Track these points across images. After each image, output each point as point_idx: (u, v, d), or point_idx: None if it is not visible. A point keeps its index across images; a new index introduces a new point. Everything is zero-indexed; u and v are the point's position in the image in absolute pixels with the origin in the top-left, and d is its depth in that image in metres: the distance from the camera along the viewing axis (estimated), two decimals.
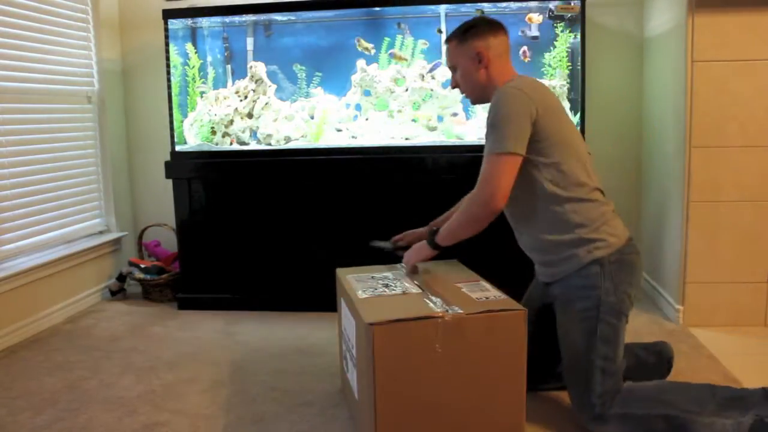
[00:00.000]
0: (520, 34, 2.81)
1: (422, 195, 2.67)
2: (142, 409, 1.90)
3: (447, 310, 1.50)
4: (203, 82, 3.02)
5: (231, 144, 2.95)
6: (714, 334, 2.41)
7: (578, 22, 2.68)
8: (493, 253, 2.45)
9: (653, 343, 2.00)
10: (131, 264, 3.13)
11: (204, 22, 2.98)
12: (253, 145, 2.93)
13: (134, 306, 3.00)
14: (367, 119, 2.89)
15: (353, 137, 2.88)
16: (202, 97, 2.99)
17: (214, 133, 2.94)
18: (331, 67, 2.97)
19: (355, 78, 2.88)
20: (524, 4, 2.77)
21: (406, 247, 1.98)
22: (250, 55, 3.04)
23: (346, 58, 2.91)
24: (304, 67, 2.98)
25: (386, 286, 1.73)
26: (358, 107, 2.92)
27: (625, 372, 1.72)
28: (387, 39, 2.90)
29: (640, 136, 3.07)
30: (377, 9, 2.84)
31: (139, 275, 3.06)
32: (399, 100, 2.85)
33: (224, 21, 2.99)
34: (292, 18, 2.96)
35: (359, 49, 2.89)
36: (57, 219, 2.85)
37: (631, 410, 1.59)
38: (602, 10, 3.00)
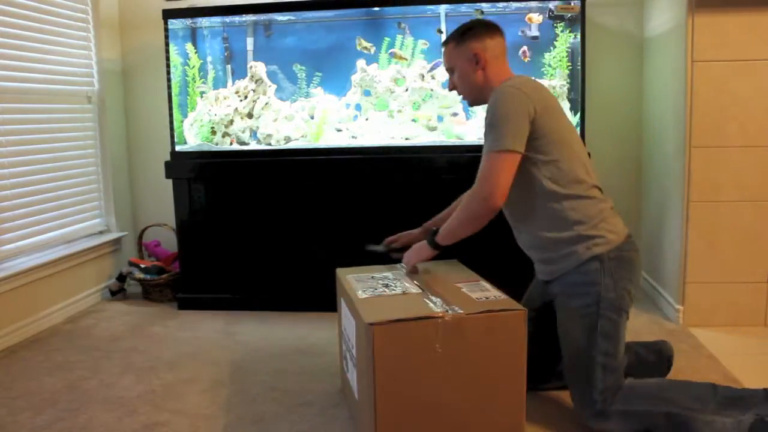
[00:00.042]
0: (520, 34, 2.81)
1: (422, 195, 2.67)
2: (142, 409, 1.90)
3: (447, 310, 1.50)
4: (203, 82, 3.02)
5: (231, 144, 2.95)
6: (714, 334, 2.42)
7: (578, 22, 2.68)
8: (493, 253, 2.45)
9: (653, 342, 2.00)
10: (131, 264, 3.13)
11: (204, 22, 2.98)
12: (253, 145, 2.93)
13: (134, 306, 3.00)
14: (367, 119, 2.89)
15: (353, 137, 2.88)
16: (202, 97, 2.99)
17: (214, 133, 2.94)
18: (331, 67, 2.97)
19: (355, 78, 2.88)
20: (524, 4, 2.77)
21: (400, 250, 1.99)
22: (250, 55, 3.04)
23: (346, 58, 2.91)
24: (304, 67, 2.98)
25: (386, 286, 1.73)
26: (358, 107, 2.92)
27: (626, 370, 1.72)
28: (387, 39, 2.90)
29: (640, 136, 3.07)
30: (377, 9, 2.84)
31: (139, 275, 3.06)
32: (399, 100, 2.85)
33: (224, 21, 2.99)
34: (292, 18, 2.96)
35: (359, 48, 2.89)
36: (57, 219, 2.85)
37: (632, 407, 1.59)
38: (602, 10, 3.00)
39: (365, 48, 2.89)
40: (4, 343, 2.45)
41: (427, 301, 1.59)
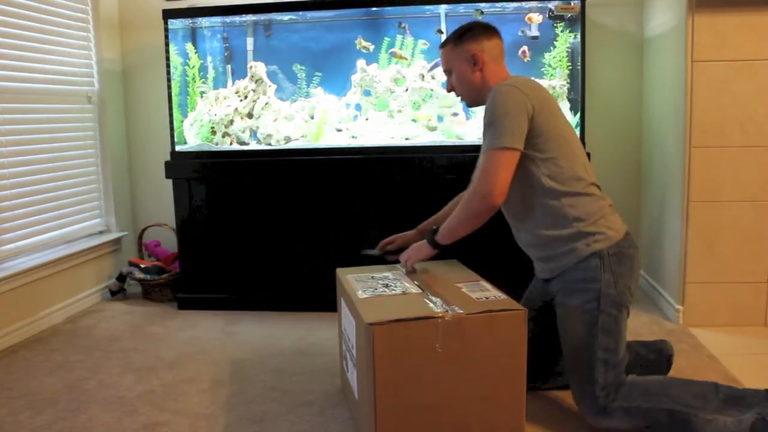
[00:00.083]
0: (519, 34, 2.81)
1: (422, 195, 2.67)
2: (142, 409, 1.91)
3: (447, 310, 1.50)
4: (203, 82, 3.02)
5: (231, 144, 2.95)
6: (714, 334, 2.42)
7: (578, 22, 2.68)
8: (493, 253, 2.45)
9: (653, 342, 2.00)
10: (131, 264, 3.13)
11: (204, 22, 2.98)
12: (253, 145, 2.93)
13: (134, 306, 3.00)
14: (367, 119, 2.89)
15: (353, 137, 2.88)
16: (202, 97, 2.99)
17: (214, 133, 2.94)
18: (331, 67, 2.97)
19: (355, 78, 2.88)
20: (524, 4, 2.77)
21: (395, 252, 1.99)
22: (250, 55, 3.04)
23: (346, 58, 2.91)
24: (304, 67, 2.98)
25: (386, 286, 1.73)
26: (358, 107, 2.92)
27: (626, 369, 1.72)
28: (387, 39, 2.90)
29: (640, 136, 3.07)
30: (377, 9, 2.85)
31: (139, 275, 3.06)
32: (399, 100, 2.85)
33: (224, 21, 2.99)
34: (292, 18, 2.96)
35: (359, 47, 2.89)
36: (57, 219, 2.85)
37: (634, 403, 1.59)
38: (602, 10, 3.00)
39: (365, 48, 2.89)
40: (5, 342, 2.45)
41: (427, 301, 1.59)
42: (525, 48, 2.78)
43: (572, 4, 2.71)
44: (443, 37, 2.84)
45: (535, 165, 1.70)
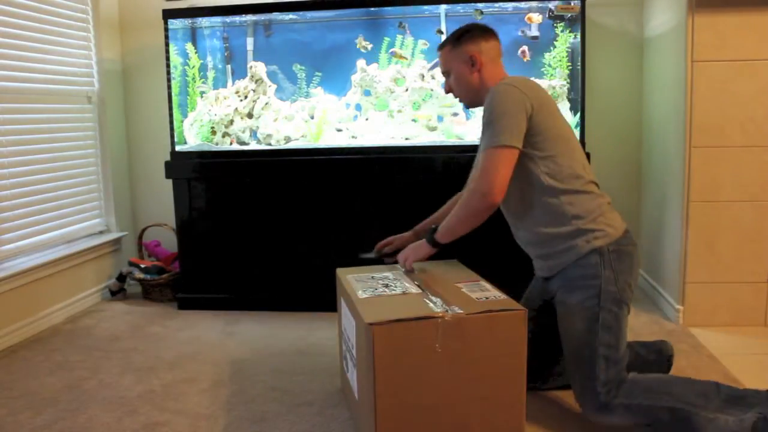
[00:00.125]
0: (519, 33, 2.81)
1: (422, 195, 2.67)
2: (142, 409, 1.91)
3: (447, 310, 1.50)
4: (203, 82, 3.02)
5: (231, 144, 2.95)
6: (714, 334, 2.42)
7: (578, 22, 2.68)
8: (493, 253, 2.45)
9: (653, 342, 2.00)
10: (131, 264, 3.13)
11: (204, 22, 2.98)
12: (253, 145, 2.93)
13: (134, 306, 3.00)
14: (367, 119, 2.89)
15: (353, 137, 2.88)
16: (202, 97, 2.99)
17: (214, 133, 2.94)
18: (331, 67, 2.97)
19: (355, 78, 2.88)
20: (524, 4, 2.77)
21: (393, 254, 1.99)
22: (250, 55, 3.04)
23: (346, 58, 2.91)
24: (304, 67, 2.98)
25: (386, 286, 1.73)
26: (358, 107, 2.92)
27: (626, 368, 1.72)
28: (387, 39, 2.90)
29: (640, 136, 3.07)
30: (377, 9, 2.85)
31: (139, 275, 3.06)
32: (399, 100, 2.85)
33: (224, 21, 2.99)
34: (292, 18, 2.96)
35: (358, 46, 2.89)
36: (57, 219, 2.85)
37: (636, 400, 1.59)
38: (602, 10, 3.00)
39: (363, 47, 2.89)
40: (5, 342, 2.45)
41: (427, 301, 1.59)
42: (525, 48, 2.78)
43: (572, 4, 2.71)
44: (443, 38, 2.84)
45: (534, 163, 1.70)
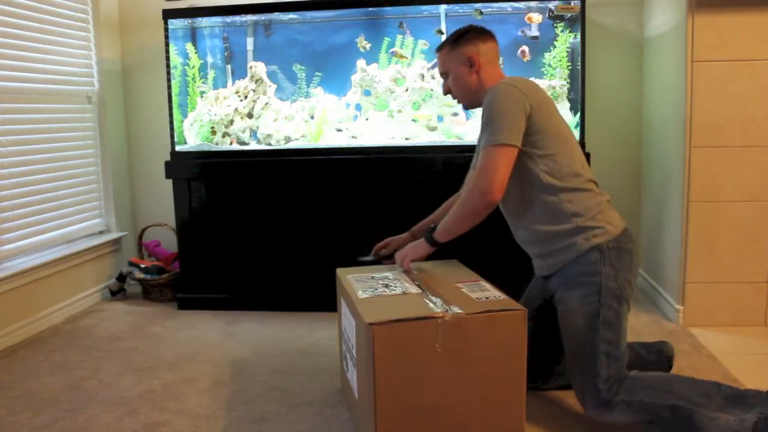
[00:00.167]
0: (519, 33, 2.81)
1: (422, 195, 2.67)
2: (142, 409, 1.91)
3: (447, 310, 1.50)
4: (203, 82, 3.02)
5: (231, 144, 2.95)
6: (714, 334, 2.42)
7: (578, 22, 2.68)
8: (493, 252, 2.45)
9: (654, 343, 2.00)
10: (131, 264, 3.13)
11: (204, 22, 2.98)
12: (253, 145, 2.93)
13: (134, 306, 3.00)
14: (367, 119, 2.89)
15: (353, 137, 2.88)
16: (202, 97, 2.99)
17: (214, 133, 2.94)
18: (331, 67, 2.97)
19: (355, 78, 2.88)
20: (524, 4, 2.77)
21: (390, 256, 1.99)
22: (250, 55, 3.04)
23: (346, 58, 2.91)
24: (304, 67, 2.98)
25: (386, 286, 1.73)
26: (358, 107, 2.92)
27: (627, 367, 1.72)
28: (387, 39, 2.90)
29: (640, 136, 3.07)
30: (377, 9, 2.85)
31: (139, 275, 3.06)
32: (399, 100, 2.85)
33: (224, 21, 2.99)
34: (292, 18, 2.96)
35: (359, 46, 2.89)
36: (57, 219, 2.85)
37: (637, 398, 1.59)
38: (602, 10, 3.00)
39: (363, 47, 2.89)
40: (5, 342, 2.45)
41: (427, 301, 1.59)
42: (525, 48, 2.78)
43: (572, 4, 2.71)
44: (443, 38, 2.85)
45: (533, 161, 1.71)
